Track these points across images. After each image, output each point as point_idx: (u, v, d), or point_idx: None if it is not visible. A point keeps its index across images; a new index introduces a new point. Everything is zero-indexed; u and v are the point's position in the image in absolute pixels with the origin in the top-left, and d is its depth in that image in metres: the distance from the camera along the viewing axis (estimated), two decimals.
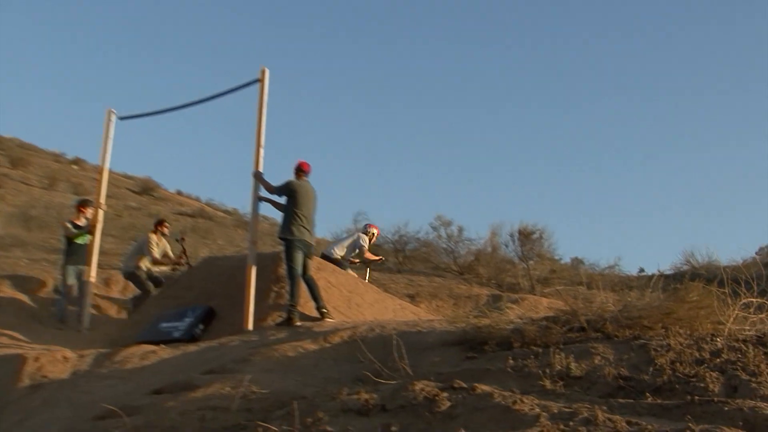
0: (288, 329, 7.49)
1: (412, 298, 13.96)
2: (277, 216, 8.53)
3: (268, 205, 8.54)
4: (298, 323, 7.73)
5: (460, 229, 19.47)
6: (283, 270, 8.43)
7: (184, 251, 11.03)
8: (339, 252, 11.45)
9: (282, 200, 8.37)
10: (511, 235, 17.89)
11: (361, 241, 11.65)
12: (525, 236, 17.91)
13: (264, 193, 7.98)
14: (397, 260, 19.55)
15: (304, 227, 8.12)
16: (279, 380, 5.14)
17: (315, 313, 8.09)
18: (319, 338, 6.60)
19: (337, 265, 10.52)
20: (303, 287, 8.10)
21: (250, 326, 7.84)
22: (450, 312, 11.81)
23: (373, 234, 12.24)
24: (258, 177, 8.01)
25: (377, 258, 11.84)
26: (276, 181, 8.34)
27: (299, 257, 8.08)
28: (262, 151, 8.39)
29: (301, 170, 8.53)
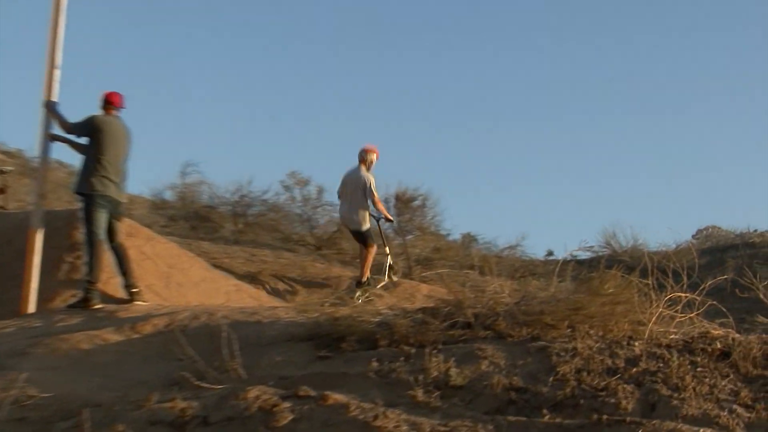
0: (83, 313, 6.99)
1: (252, 277, 13.55)
2: (77, 162, 7.78)
3: (65, 147, 7.76)
4: (98, 306, 7.16)
5: (320, 191, 18.92)
6: (80, 235, 7.77)
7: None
8: (362, 218, 10.80)
9: (82, 141, 7.62)
10: (385, 201, 17.60)
11: (364, 178, 10.57)
12: (403, 203, 17.65)
13: (58, 131, 7.24)
14: (236, 228, 18.83)
15: (109, 179, 7.42)
16: (66, 381, 4.84)
17: (122, 294, 7.54)
18: (124, 327, 6.22)
19: (363, 239, 10.41)
20: (107, 258, 7.49)
21: (32, 308, 7.25)
22: (301, 298, 11.57)
23: (372, 161, 10.80)
24: (49, 108, 7.26)
25: (387, 215, 11.03)
26: (76, 117, 7.56)
27: (102, 218, 7.40)
28: (57, 73, 7.54)
29: (109, 103, 7.76)
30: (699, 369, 4.53)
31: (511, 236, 22.09)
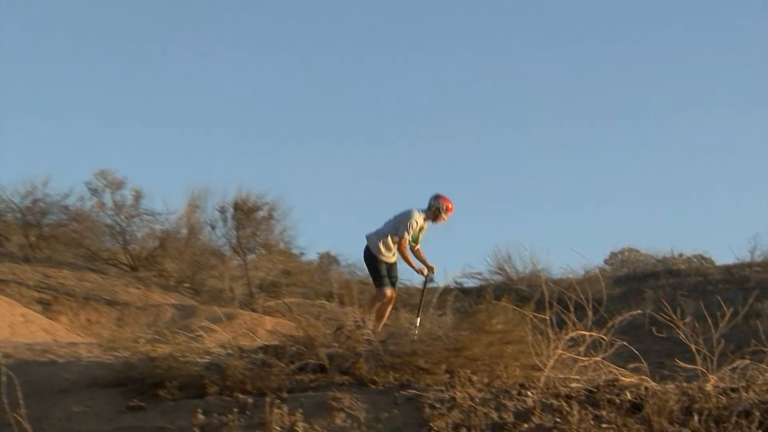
0: None
1: (45, 305, 13.10)
2: None
3: None
4: None
5: (138, 195, 18.42)
6: None
7: None
8: (384, 246, 10.23)
9: None
10: (222, 211, 17.27)
11: (408, 218, 10.48)
12: (245, 213, 17.29)
13: None
14: (27, 241, 18.11)
15: None
16: None
17: None
18: None
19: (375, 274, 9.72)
20: None
21: None
22: (109, 332, 11.25)
23: (440, 210, 10.83)
24: None
25: (422, 267, 10.69)
26: None
27: None
28: None
29: None
30: (604, 425, 4.69)
31: None
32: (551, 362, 5.09)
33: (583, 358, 5.33)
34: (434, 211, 10.86)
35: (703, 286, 20.68)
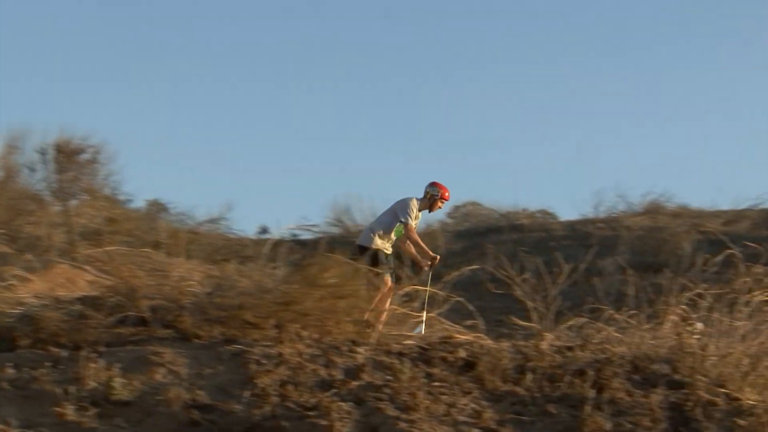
0: None
1: None
2: None
3: None
4: None
5: None
6: None
7: None
8: (378, 237, 9.58)
9: None
10: (42, 152, 16.73)
11: (407, 205, 9.83)
12: (66, 156, 16.82)
13: None
14: None
15: None
16: None
17: None
18: None
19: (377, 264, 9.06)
20: None
21: None
22: None
23: (436, 197, 10.24)
24: None
25: (428, 254, 10.10)
26: None
27: None
28: None
29: None
30: (436, 383, 4.89)
31: (214, 206, 21.79)
32: (384, 318, 5.12)
33: (418, 314, 5.39)
34: (429, 198, 10.86)
35: (545, 242, 21.17)
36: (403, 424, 4.39)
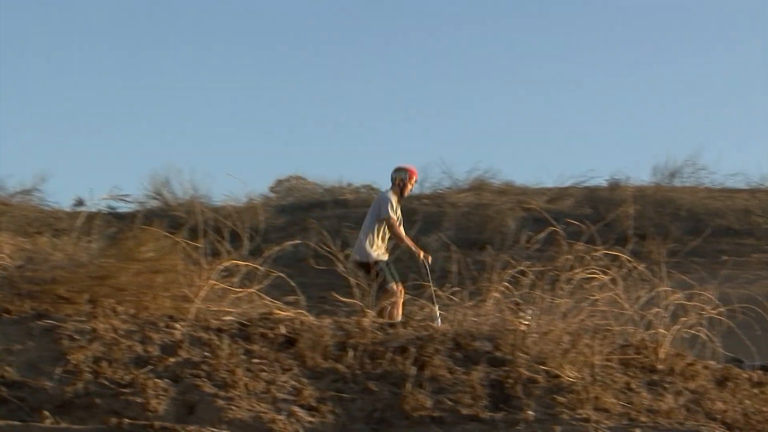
0: None
1: None
2: None
3: None
4: None
5: None
6: None
7: None
8: (371, 245, 8.85)
9: None
10: None
11: (385, 200, 9.94)
12: None
13: None
14: None
15: None
16: None
17: None
18: None
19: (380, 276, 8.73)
20: None
21: None
22: None
23: (404, 181, 10.26)
24: None
25: (415, 248, 9.50)
26: None
27: None
28: None
29: None
30: (255, 360, 4.88)
31: (27, 177, 21.13)
32: (203, 293, 5.16)
33: (238, 290, 5.44)
34: (399, 183, 10.71)
35: None
36: (221, 402, 4.34)
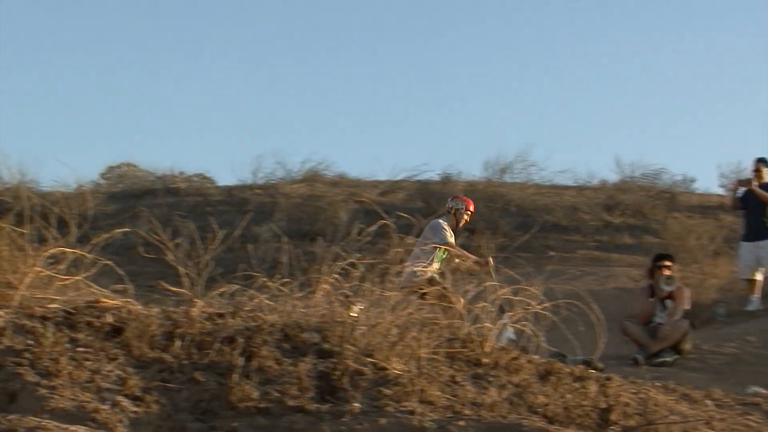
0: None
1: None
2: None
3: None
4: None
5: None
6: None
7: None
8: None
9: None
10: None
11: (439, 227, 10.44)
12: None
13: None
14: None
15: None
16: None
17: None
18: None
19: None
20: None
21: None
22: None
23: (461, 211, 10.71)
24: None
25: (477, 259, 8.86)
26: None
27: None
28: None
29: None
30: (80, 349, 4.81)
31: None
32: (28, 280, 5.03)
33: (64, 277, 5.32)
34: (455, 213, 10.61)
35: (202, 206, 21.31)
36: (43, 390, 4.26)
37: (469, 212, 11.02)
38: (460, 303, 10.36)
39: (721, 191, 26.06)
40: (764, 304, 14.31)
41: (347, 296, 5.90)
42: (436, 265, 10.30)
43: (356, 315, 5.83)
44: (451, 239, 10.66)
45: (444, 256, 10.65)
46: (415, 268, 10.24)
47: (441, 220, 11.01)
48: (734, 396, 7.72)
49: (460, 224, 11.03)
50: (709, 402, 7.00)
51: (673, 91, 50.21)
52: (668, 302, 11.58)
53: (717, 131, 49.02)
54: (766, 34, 55.36)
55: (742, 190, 14.38)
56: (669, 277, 11.24)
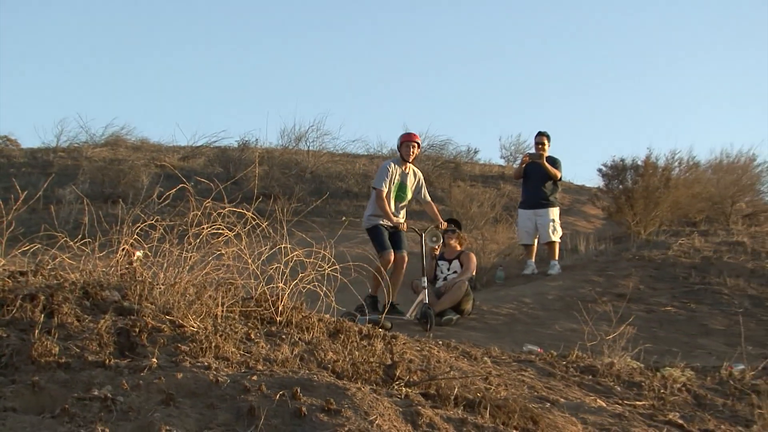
0: None
1: None
2: None
3: None
4: None
5: None
6: None
7: None
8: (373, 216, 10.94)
9: None
10: None
11: (379, 170, 11.18)
12: None
13: None
14: None
15: None
16: None
17: None
18: None
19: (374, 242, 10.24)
20: None
21: None
22: None
23: (399, 148, 11.34)
24: None
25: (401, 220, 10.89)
26: None
27: None
28: None
29: None
30: None
31: None
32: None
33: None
34: (399, 150, 10.36)
35: (5, 168, 20.84)
36: None
37: (408, 142, 11.32)
38: (390, 258, 10.77)
39: (501, 162, 27.22)
40: (539, 269, 15.13)
41: (132, 245, 5.98)
42: (390, 209, 10.96)
43: (138, 259, 5.94)
44: (386, 187, 11.05)
45: (403, 199, 11.26)
46: (366, 213, 11.04)
47: (390, 162, 11.47)
48: (510, 353, 8.21)
49: (409, 158, 11.31)
50: (487, 359, 7.44)
51: (459, 66, 51.81)
52: (455, 264, 12.12)
53: (498, 106, 50.95)
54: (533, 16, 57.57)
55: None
56: (435, 234, 11.86)
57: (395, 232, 10.84)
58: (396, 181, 11.06)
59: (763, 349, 9.81)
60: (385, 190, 10.85)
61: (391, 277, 10.07)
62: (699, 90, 54.93)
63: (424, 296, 10.59)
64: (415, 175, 11.53)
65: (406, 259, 10.82)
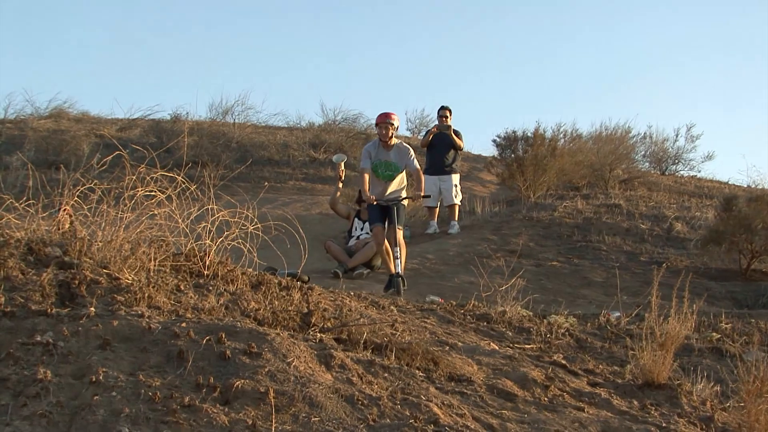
0: None
1: None
2: None
3: None
4: None
5: None
6: None
7: None
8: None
9: None
10: None
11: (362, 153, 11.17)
12: None
13: None
14: None
15: None
16: None
17: None
18: None
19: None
20: None
21: None
22: None
23: (374, 128, 11.84)
24: None
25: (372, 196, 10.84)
26: None
27: None
28: None
29: None
30: None
31: None
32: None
33: None
34: (378, 132, 11.03)
35: None
36: None
37: (381, 123, 11.03)
38: (374, 231, 10.71)
39: (408, 134, 27.41)
40: (441, 228, 15.31)
41: (65, 208, 5.94)
42: (377, 188, 10.91)
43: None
44: (366, 165, 10.90)
45: (389, 177, 11.01)
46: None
47: (369, 144, 11.39)
48: (415, 303, 8.31)
49: (387, 138, 10.95)
50: (394, 308, 7.52)
51: (373, 45, 51.94)
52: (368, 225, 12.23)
53: (405, 83, 51.28)
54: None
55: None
56: (341, 157, 13.05)
57: (387, 206, 10.67)
58: (380, 162, 10.89)
59: (637, 298, 10.04)
60: (368, 171, 10.77)
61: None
62: (582, 69, 55.68)
63: (395, 266, 10.37)
64: (399, 150, 11.11)
65: (401, 232, 10.61)
